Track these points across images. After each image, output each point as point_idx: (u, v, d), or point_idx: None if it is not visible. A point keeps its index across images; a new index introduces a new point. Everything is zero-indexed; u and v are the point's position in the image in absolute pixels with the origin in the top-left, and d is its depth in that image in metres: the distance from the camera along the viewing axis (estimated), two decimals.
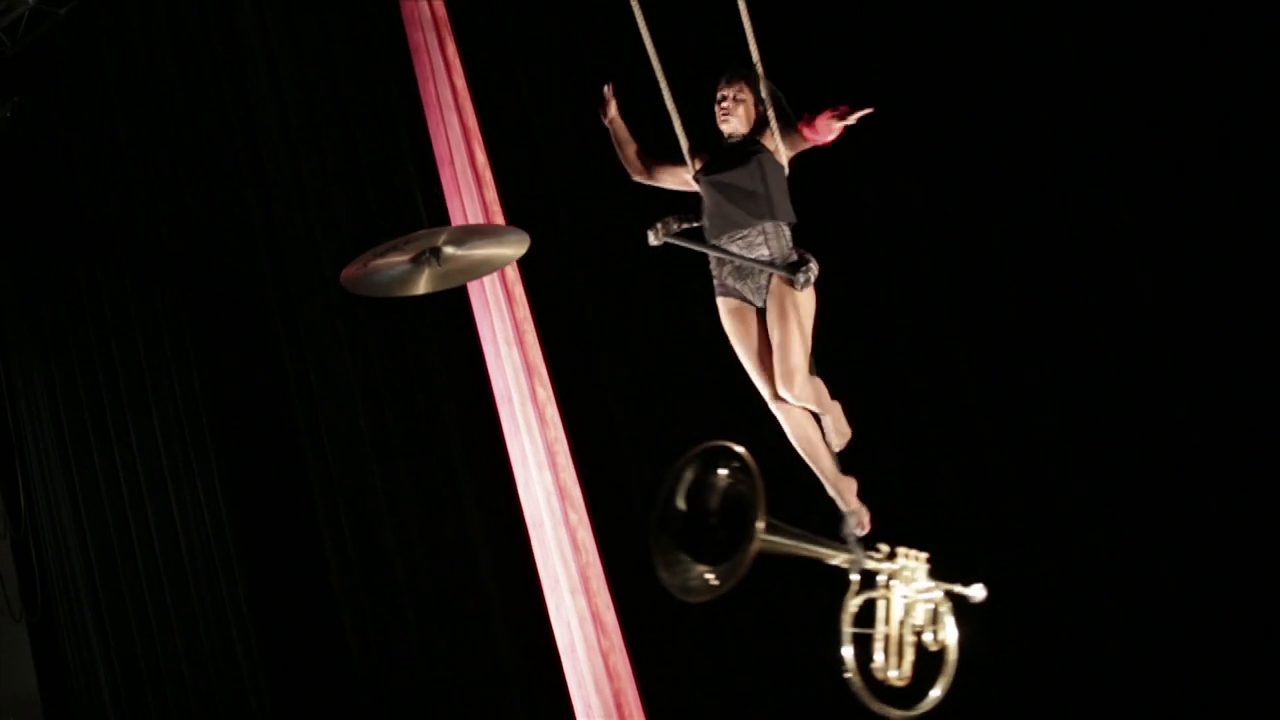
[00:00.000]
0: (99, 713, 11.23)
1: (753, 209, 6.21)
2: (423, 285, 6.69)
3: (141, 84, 10.54)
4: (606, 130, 6.63)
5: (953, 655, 5.15)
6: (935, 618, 5.16)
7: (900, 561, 5.13)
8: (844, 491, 6.29)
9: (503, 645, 8.97)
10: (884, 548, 5.18)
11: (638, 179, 6.60)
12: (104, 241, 10.90)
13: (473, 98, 8.31)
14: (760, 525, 4.63)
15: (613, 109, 6.54)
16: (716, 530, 4.88)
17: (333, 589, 9.79)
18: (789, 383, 6.16)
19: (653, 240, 6.31)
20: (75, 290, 11.11)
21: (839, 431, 6.43)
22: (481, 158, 8.23)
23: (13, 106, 10.73)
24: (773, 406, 6.30)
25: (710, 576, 4.82)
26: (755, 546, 4.63)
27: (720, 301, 6.38)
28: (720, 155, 6.37)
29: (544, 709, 8.51)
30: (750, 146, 6.31)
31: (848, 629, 5.04)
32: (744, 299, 6.33)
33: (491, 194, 8.17)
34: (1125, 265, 6.95)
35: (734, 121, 6.37)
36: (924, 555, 5.17)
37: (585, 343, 8.47)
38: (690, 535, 4.92)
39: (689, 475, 4.95)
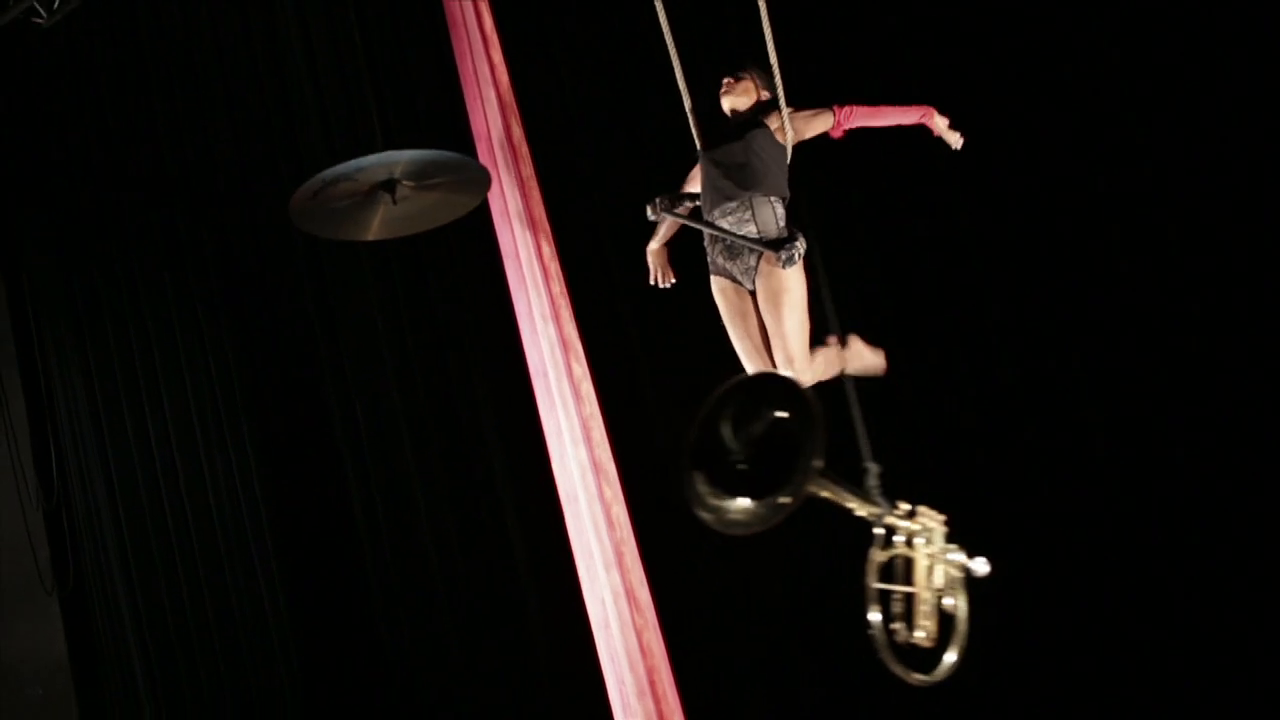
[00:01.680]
0: (129, 685, 11.23)
1: (741, 180, 6.31)
2: (375, 227, 6.48)
3: (176, 51, 10.54)
4: (640, 106, 6.68)
5: (963, 623, 5.15)
6: (952, 582, 5.14)
7: (921, 521, 5.15)
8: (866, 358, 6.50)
9: (535, 621, 8.99)
10: (905, 505, 5.22)
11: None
12: (137, 210, 10.90)
13: (510, 71, 8.27)
14: (818, 464, 4.74)
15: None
16: (754, 464, 4.96)
17: (364, 561, 9.80)
18: (795, 370, 6.18)
19: (651, 215, 6.48)
20: (108, 259, 11.11)
21: (873, 367, 6.44)
22: (518, 132, 8.18)
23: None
24: None
25: (749, 509, 4.95)
26: (810, 484, 4.78)
27: (713, 280, 6.50)
28: (719, 131, 6.45)
29: (576, 685, 8.50)
30: (750, 123, 6.36)
31: (873, 584, 5.14)
32: (734, 279, 6.35)
33: (528, 169, 8.13)
34: (1167, 240, 6.93)
35: (733, 98, 6.45)
36: (942, 517, 5.19)
37: (621, 318, 8.47)
38: (723, 467, 4.99)
39: (732, 404, 4.98)
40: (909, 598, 5.15)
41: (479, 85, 8.28)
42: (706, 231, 6.44)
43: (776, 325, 6.24)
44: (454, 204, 6.72)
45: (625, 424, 8.23)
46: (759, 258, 6.26)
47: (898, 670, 5.15)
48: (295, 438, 10.22)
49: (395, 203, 6.24)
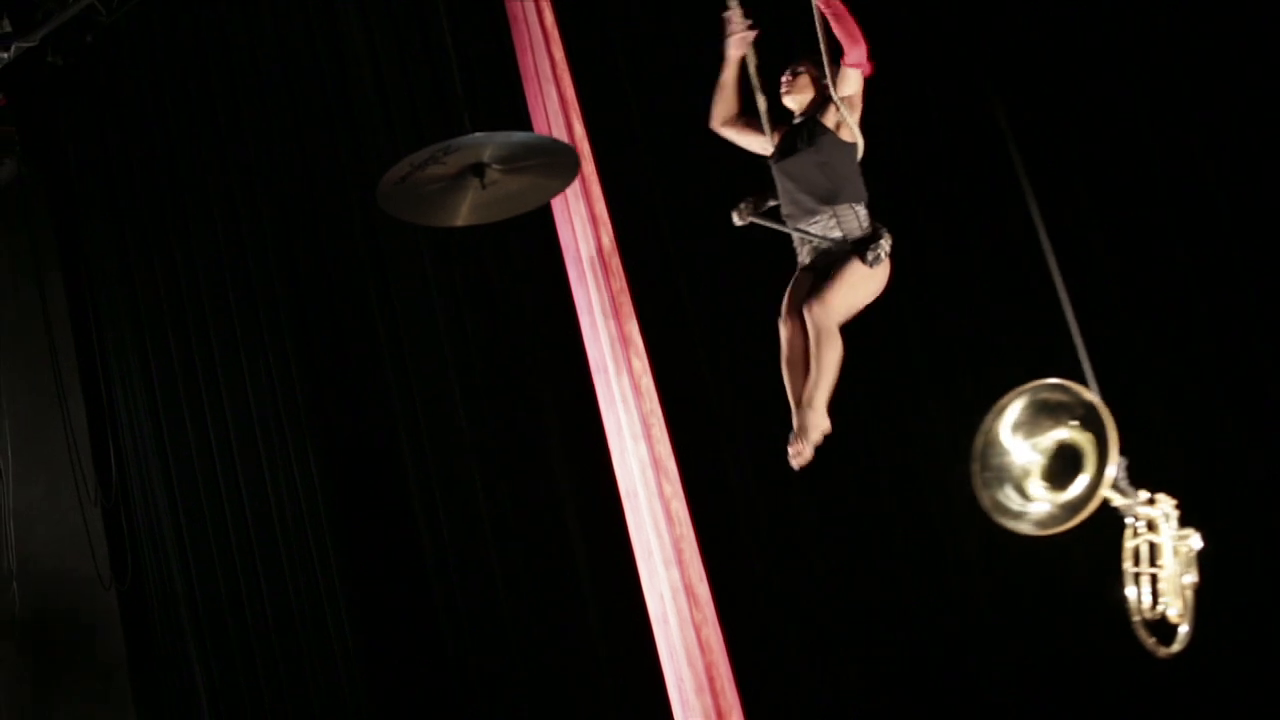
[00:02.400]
0: (187, 682, 11.29)
1: (820, 196, 6.33)
2: (465, 213, 6.44)
3: (239, 54, 10.60)
4: (706, 100, 6.64)
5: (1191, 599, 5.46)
6: (1188, 560, 5.45)
7: (1160, 506, 5.44)
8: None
9: (594, 616, 8.99)
10: (1144, 493, 5.44)
11: (716, 124, 6.69)
12: (199, 211, 10.97)
13: (571, 69, 8.30)
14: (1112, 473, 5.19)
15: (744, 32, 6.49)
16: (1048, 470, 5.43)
17: (425, 560, 9.81)
18: (817, 328, 6.31)
19: (737, 221, 6.52)
20: (169, 259, 11.18)
21: (815, 408, 6.43)
22: (579, 129, 8.21)
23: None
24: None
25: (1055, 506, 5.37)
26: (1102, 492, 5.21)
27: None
28: (788, 138, 6.45)
29: (635, 680, 8.51)
30: (814, 129, 6.35)
31: (1128, 567, 5.42)
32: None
33: (589, 165, 8.16)
34: None
35: (795, 96, 6.44)
36: (1174, 501, 5.46)
37: (681, 315, 8.46)
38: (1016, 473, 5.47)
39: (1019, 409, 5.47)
40: (1154, 578, 5.42)
41: (540, 82, 8.32)
42: (794, 233, 6.44)
43: (839, 299, 6.26)
44: (544, 188, 6.69)
45: (685, 420, 8.23)
46: (846, 255, 6.27)
47: (1150, 645, 5.42)
48: (356, 437, 10.25)
49: (484, 187, 6.19)
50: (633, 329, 8.12)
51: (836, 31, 6.12)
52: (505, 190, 6.36)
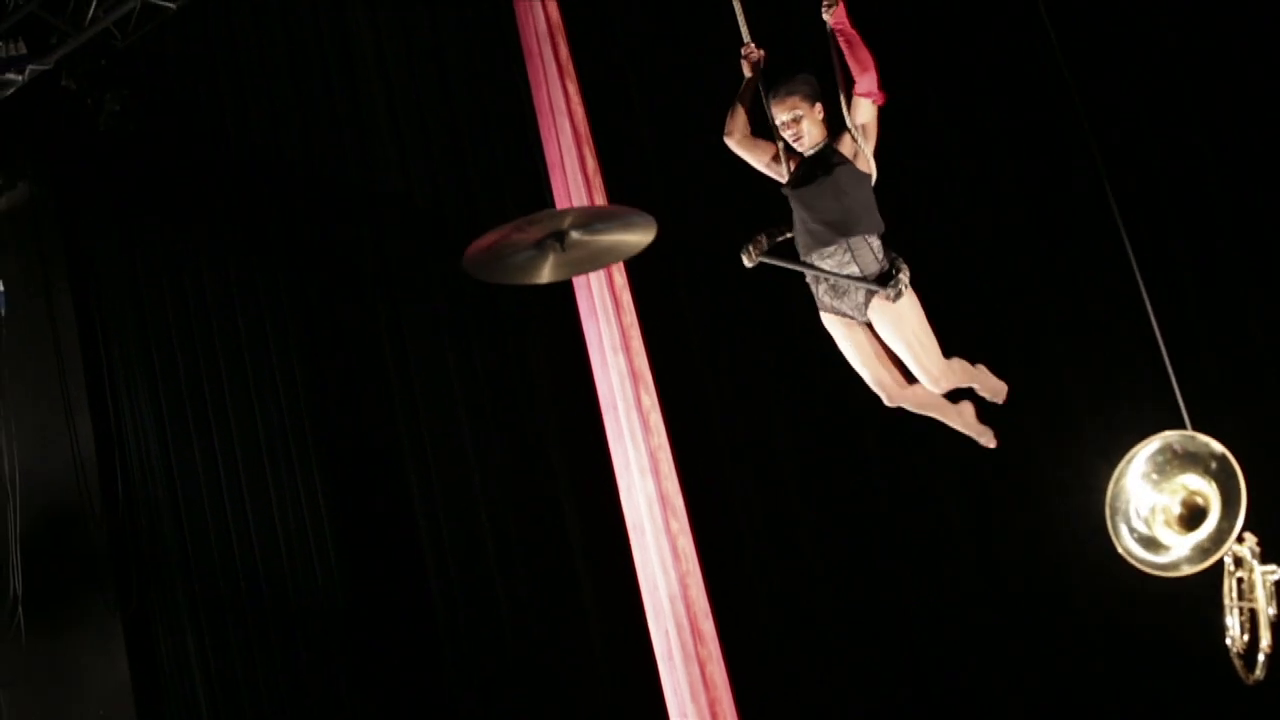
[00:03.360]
0: (192, 708, 11.28)
1: (837, 227, 6.23)
2: (546, 273, 6.59)
3: (250, 82, 10.63)
4: (719, 136, 6.62)
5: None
6: (1272, 594, 5.53)
7: (1248, 545, 5.53)
8: (973, 426, 6.61)
9: (600, 651, 8.99)
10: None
11: (730, 139, 6.59)
12: (208, 231, 10.99)
13: (585, 103, 8.31)
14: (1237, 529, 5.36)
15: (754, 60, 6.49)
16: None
17: (429, 589, 9.81)
18: (936, 385, 6.31)
19: (747, 263, 6.39)
20: (178, 281, 11.20)
21: (994, 391, 6.52)
22: (592, 163, 8.23)
23: (121, 100, 10.80)
24: (891, 403, 6.46)
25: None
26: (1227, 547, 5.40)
27: (824, 318, 6.42)
28: (802, 168, 6.37)
29: (640, 717, 8.50)
30: (831, 157, 6.30)
31: (1229, 603, 5.51)
32: (845, 315, 6.34)
33: (601, 199, 8.16)
34: None
35: (804, 141, 6.37)
36: (1255, 538, 5.52)
37: (690, 351, 8.48)
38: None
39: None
40: (1250, 612, 5.50)
41: (554, 115, 8.32)
42: (806, 271, 6.38)
43: (907, 350, 6.23)
44: (624, 246, 6.81)
45: (693, 456, 8.23)
46: (865, 291, 6.23)
47: (1244, 673, 5.51)
48: (362, 462, 10.25)
49: (565, 250, 6.32)
50: (642, 364, 8.12)
51: (849, 59, 6.09)
52: (587, 251, 6.48)
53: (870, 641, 8.11)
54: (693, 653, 7.97)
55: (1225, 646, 5.48)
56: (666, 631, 8.00)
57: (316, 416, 10.41)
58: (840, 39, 6.10)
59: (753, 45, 6.45)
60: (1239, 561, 5.49)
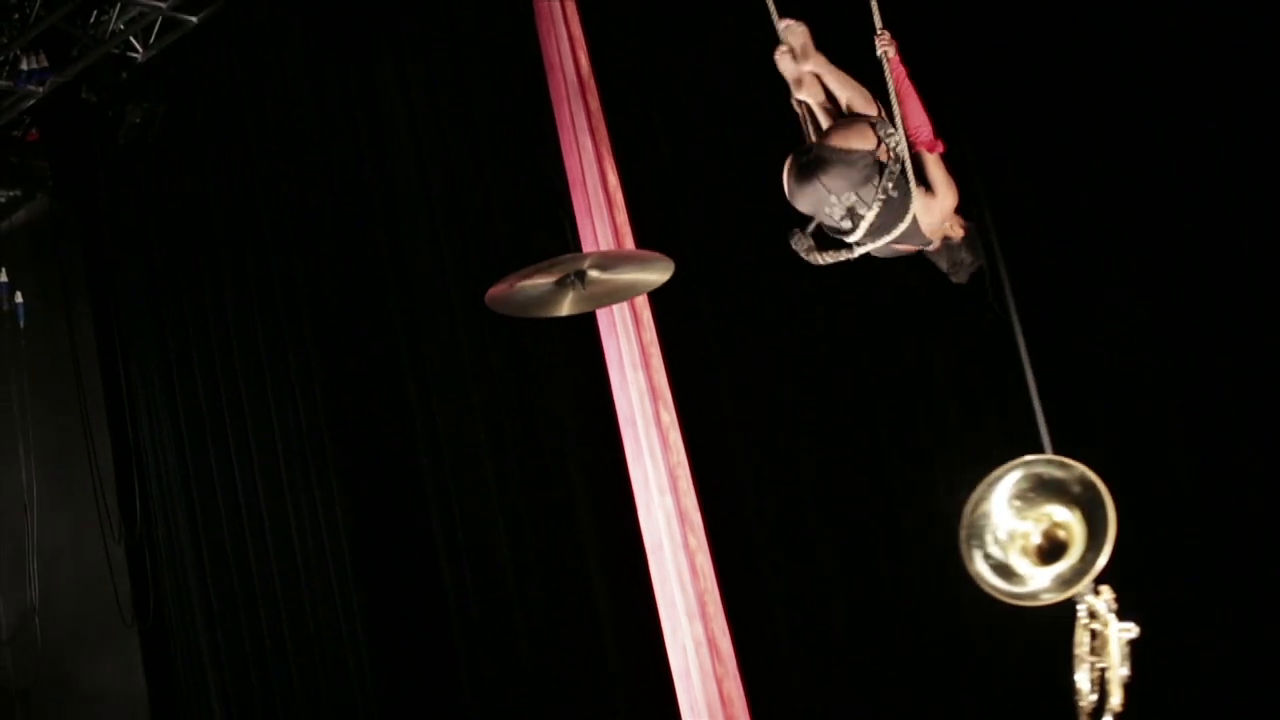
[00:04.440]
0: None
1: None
2: (565, 307, 6.71)
3: (271, 95, 10.65)
4: (739, 151, 6.60)
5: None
6: (1125, 653, 5.48)
7: (1104, 598, 5.48)
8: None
9: (617, 668, 8.96)
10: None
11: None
12: (228, 251, 11.00)
13: (606, 120, 8.31)
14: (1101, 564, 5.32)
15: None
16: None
17: (447, 605, 9.79)
18: None
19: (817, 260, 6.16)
20: (198, 297, 11.21)
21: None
22: (613, 180, 8.22)
23: (142, 113, 10.81)
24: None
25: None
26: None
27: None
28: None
29: None
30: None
31: (1082, 655, 5.47)
32: None
33: (622, 217, 8.16)
34: None
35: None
36: (1112, 594, 5.48)
37: (710, 368, 8.46)
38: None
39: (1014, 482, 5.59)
40: (1100, 670, 5.48)
41: (575, 132, 8.32)
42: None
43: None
44: (641, 283, 6.90)
45: (712, 474, 8.22)
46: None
47: None
48: (381, 480, 10.23)
49: (584, 288, 6.45)
50: (662, 381, 8.11)
51: (900, 107, 5.99)
52: (605, 288, 6.60)
53: (888, 661, 8.08)
54: (710, 670, 7.94)
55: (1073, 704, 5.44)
56: (684, 648, 7.98)
57: (335, 433, 10.40)
58: (899, 89, 5.99)
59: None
60: (1093, 614, 5.44)
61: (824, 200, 5.88)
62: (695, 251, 8.45)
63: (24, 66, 10.71)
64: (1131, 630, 5.41)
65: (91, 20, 10.46)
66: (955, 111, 6.70)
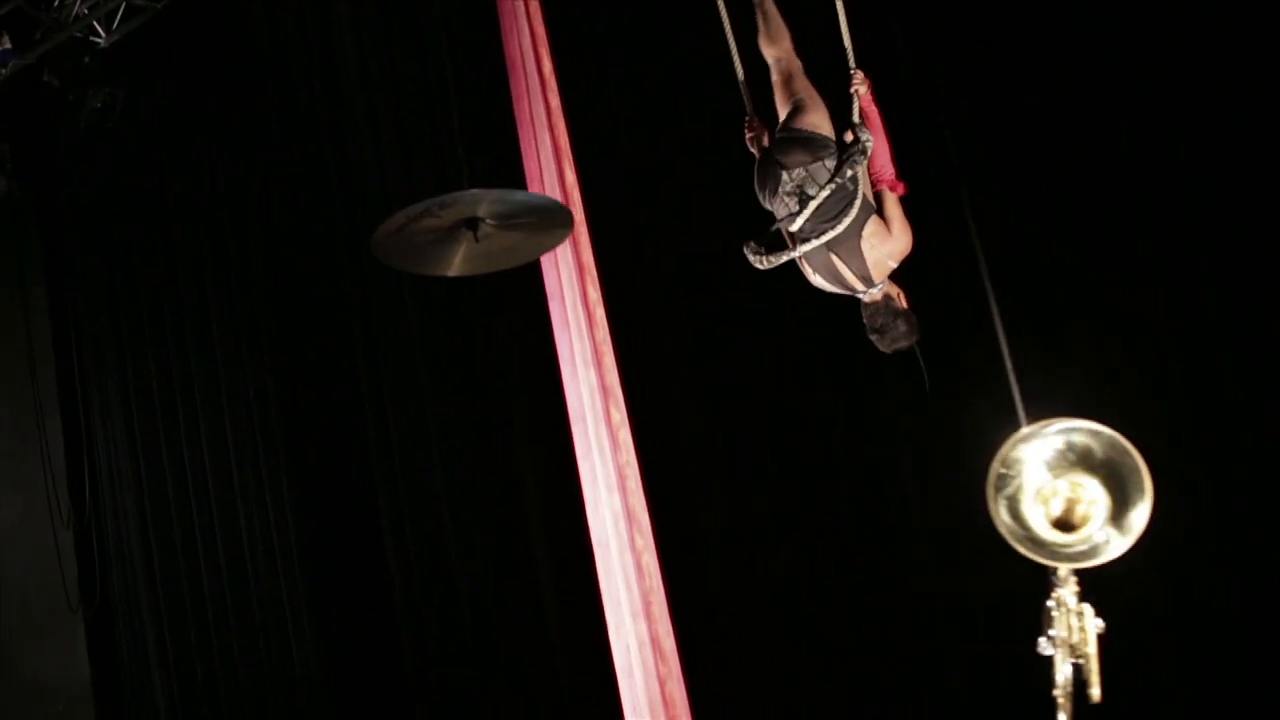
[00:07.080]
0: (150, 707, 11.26)
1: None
2: (457, 264, 6.50)
3: (232, 82, 10.63)
4: (697, 154, 6.64)
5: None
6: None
7: (1072, 586, 5.36)
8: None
9: (562, 665, 8.98)
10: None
11: None
12: (186, 240, 10.99)
13: (566, 117, 8.31)
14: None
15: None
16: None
17: (393, 596, 9.81)
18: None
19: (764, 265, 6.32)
20: (155, 284, 11.20)
21: None
22: (571, 177, 8.20)
23: (104, 97, 10.77)
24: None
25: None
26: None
27: None
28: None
29: None
30: None
31: (1066, 652, 5.31)
32: None
33: (579, 214, 8.15)
34: None
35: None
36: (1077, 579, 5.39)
37: (662, 368, 8.48)
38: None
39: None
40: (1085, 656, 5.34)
41: (535, 129, 8.31)
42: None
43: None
44: (536, 244, 6.74)
45: (660, 473, 8.22)
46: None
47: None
48: (330, 471, 10.25)
49: (478, 240, 6.23)
50: (613, 379, 8.09)
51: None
52: (498, 244, 6.40)
53: (834, 663, 8.11)
54: (653, 669, 7.93)
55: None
56: (628, 647, 7.96)
57: (286, 422, 10.42)
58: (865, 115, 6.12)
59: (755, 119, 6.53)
60: (1060, 604, 5.32)
61: (781, 181, 6.02)
62: (651, 251, 8.48)
63: None
64: (1099, 625, 5.32)
65: (55, 4, 10.45)
66: (938, 106, 6.79)
